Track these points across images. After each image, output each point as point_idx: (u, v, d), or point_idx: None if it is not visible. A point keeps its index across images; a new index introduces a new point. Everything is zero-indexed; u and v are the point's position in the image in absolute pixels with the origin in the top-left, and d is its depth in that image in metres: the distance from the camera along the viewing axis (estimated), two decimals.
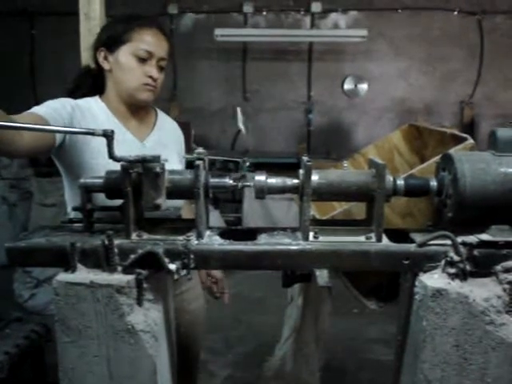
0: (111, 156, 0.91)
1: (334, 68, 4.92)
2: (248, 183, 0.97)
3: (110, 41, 1.33)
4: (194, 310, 1.53)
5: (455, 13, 4.72)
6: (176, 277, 0.90)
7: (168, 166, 0.95)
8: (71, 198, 1.34)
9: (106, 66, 1.35)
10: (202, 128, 4.79)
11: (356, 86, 4.90)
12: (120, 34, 1.32)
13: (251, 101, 4.99)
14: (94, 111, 1.33)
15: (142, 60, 1.31)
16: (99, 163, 1.23)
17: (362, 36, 4.35)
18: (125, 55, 1.31)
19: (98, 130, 0.91)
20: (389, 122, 4.90)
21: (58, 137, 1.23)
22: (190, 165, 0.97)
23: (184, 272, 0.92)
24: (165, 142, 1.44)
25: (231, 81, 4.98)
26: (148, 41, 1.31)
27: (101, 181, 0.97)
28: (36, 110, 1.21)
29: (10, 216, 4.13)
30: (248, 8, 4.80)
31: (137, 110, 1.40)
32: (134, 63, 1.31)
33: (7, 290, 3.33)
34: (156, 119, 1.48)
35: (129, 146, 1.34)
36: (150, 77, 1.32)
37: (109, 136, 0.91)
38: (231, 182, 0.98)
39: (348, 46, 4.76)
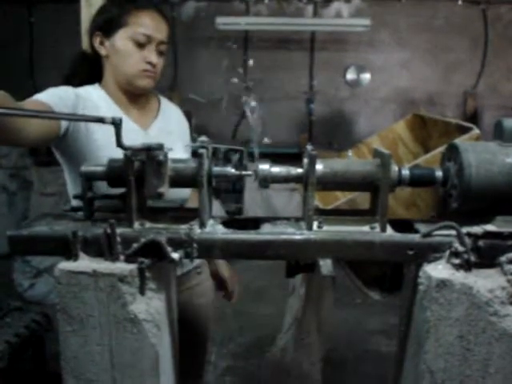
0: (119, 145, 0.89)
1: (336, 57, 4.88)
2: (250, 172, 0.96)
3: (105, 25, 1.26)
4: (203, 305, 1.51)
5: (459, 2, 4.66)
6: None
7: (172, 155, 0.93)
8: (73, 189, 1.29)
9: (102, 51, 1.28)
10: (202, 117, 4.76)
11: (358, 75, 4.85)
12: (116, 17, 1.25)
13: (252, 90, 4.95)
14: (94, 100, 1.27)
15: (140, 45, 1.24)
16: (105, 155, 1.20)
17: (365, 25, 4.29)
18: (122, 40, 1.24)
19: (108, 117, 0.89)
20: (391, 112, 4.86)
21: (63, 126, 1.18)
22: (194, 153, 0.96)
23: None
24: (169, 130, 1.39)
25: (232, 70, 4.94)
26: (146, 24, 1.24)
27: (102, 169, 0.96)
28: (40, 97, 1.16)
29: (10, 205, 4.12)
30: None
31: (137, 98, 1.34)
32: (132, 48, 1.24)
33: (7, 279, 3.34)
34: (159, 106, 1.42)
35: (132, 134, 1.28)
36: (149, 62, 1.25)
37: (117, 124, 0.89)
38: (234, 170, 0.97)
39: (351, 36, 4.71)
